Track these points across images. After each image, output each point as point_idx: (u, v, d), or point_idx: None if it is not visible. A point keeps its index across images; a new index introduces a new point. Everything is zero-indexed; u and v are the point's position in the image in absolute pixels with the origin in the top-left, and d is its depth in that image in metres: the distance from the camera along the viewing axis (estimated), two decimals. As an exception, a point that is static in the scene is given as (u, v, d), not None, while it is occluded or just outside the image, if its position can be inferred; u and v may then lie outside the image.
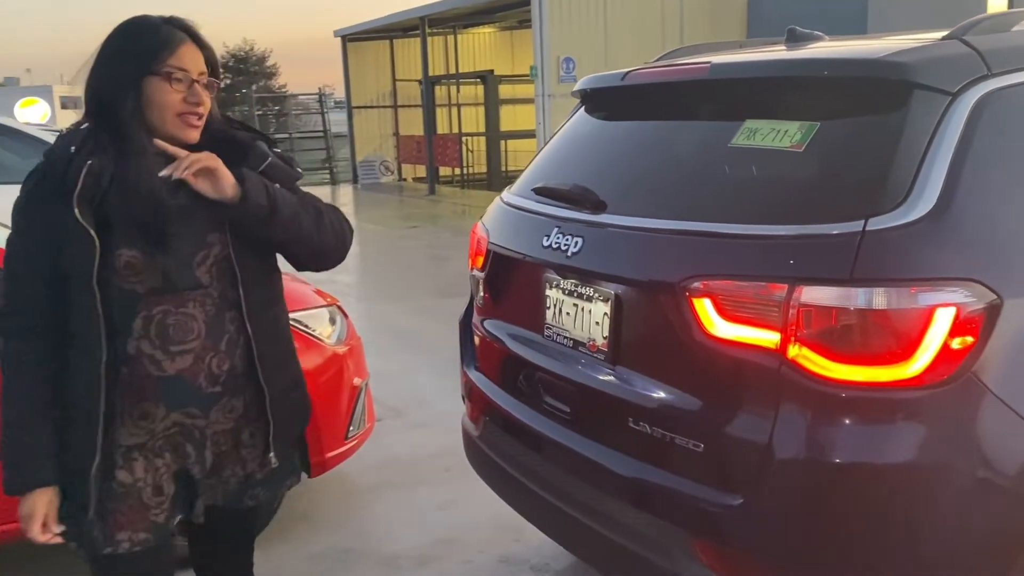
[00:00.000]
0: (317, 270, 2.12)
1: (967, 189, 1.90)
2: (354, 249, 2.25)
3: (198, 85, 1.87)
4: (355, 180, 23.23)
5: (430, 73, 20.77)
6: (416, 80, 22.17)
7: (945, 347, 1.80)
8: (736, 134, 2.19)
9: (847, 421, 1.84)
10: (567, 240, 2.38)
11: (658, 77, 2.52)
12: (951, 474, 1.83)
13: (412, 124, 23.02)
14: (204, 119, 1.92)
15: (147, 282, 1.83)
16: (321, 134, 25.20)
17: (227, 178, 1.86)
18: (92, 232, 1.77)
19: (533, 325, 2.60)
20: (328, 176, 24.23)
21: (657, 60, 2.83)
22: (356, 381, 3.90)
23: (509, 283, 2.81)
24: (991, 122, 1.97)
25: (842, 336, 1.84)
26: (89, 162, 1.78)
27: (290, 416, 2.11)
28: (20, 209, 1.86)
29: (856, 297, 1.82)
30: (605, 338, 2.29)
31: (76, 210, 1.76)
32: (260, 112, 25.42)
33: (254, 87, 43.47)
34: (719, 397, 2.01)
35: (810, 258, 1.88)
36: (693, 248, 2.08)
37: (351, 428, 3.85)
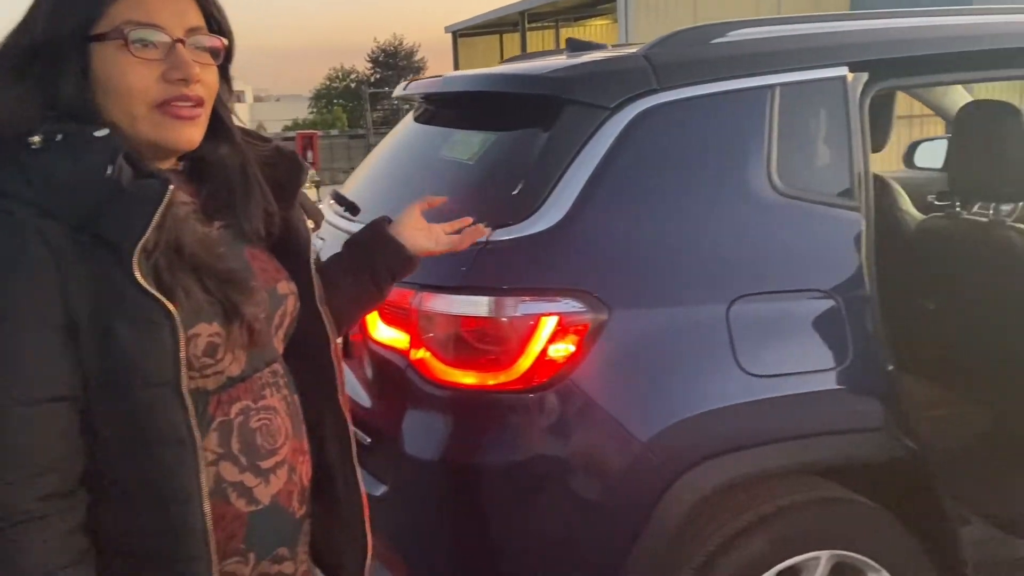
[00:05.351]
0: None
1: (600, 203, 1.96)
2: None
3: (182, 48, 1.12)
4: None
5: (534, 66, 20.89)
6: (522, 72, 22.36)
7: (543, 354, 1.88)
8: (445, 145, 2.31)
9: (457, 422, 1.95)
10: (317, 241, 2.55)
11: (417, 88, 2.64)
12: (549, 475, 1.91)
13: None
14: (207, 106, 1.17)
15: (225, 371, 1.16)
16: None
17: None
18: (166, 303, 1.05)
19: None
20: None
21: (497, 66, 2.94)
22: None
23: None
24: (644, 137, 2.01)
25: (452, 341, 1.94)
26: (172, 187, 1.08)
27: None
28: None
29: (463, 305, 1.92)
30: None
31: (136, 272, 1.04)
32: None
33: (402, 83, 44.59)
34: (378, 395, 2.15)
35: (434, 267, 1.98)
36: (367, 254, 2.21)
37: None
